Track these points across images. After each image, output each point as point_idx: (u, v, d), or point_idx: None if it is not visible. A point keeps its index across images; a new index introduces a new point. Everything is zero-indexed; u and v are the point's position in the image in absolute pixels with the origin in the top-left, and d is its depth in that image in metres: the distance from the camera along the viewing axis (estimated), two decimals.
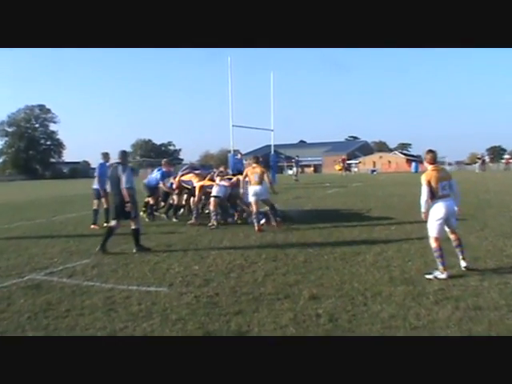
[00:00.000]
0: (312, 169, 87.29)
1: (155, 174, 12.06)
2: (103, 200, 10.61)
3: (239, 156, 24.08)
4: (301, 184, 29.56)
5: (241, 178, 10.75)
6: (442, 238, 5.91)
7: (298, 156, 37.88)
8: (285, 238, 8.96)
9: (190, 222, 10.86)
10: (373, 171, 57.28)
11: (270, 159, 31.52)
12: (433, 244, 5.91)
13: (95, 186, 10.95)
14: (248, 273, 6.32)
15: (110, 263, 7.08)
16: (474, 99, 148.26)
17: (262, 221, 10.15)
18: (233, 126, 23.68)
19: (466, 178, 28.12)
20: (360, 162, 61.82)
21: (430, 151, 6.05)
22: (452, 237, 6.04)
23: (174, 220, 11.44)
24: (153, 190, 11.88)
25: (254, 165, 10.01)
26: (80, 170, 77.57)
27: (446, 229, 6.01)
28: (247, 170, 10.26)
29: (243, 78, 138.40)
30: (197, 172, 12.29)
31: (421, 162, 41.89)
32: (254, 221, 9.82)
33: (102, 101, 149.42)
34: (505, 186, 21.16)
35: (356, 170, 58.79)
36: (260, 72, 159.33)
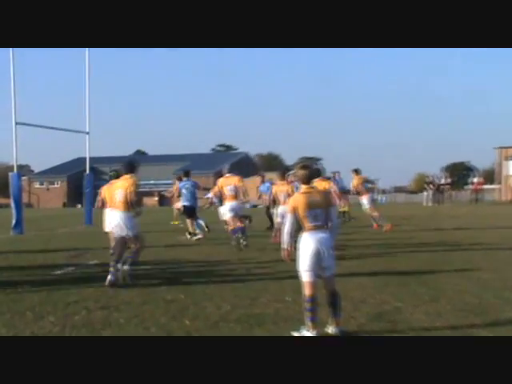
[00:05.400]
0: (156, 199, 78.81)
1: None
2: None
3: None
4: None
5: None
6: (315, 284, 5.76)
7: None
8: None
9: None
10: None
11: (84, 182, 26.00)
12: (304, 291, 5.83)
13: None
14: None
15: None
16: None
17: None
18: (17, 123, 19.47)
19: (410, 214, 27.03)
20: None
21: (304, 167, 5.94)
22: (327, 288, 5.88)
23: None
24: None
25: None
26: None
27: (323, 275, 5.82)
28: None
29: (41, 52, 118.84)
30: None
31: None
32: None
33: None
34: (472, 225, 19.02)
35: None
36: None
